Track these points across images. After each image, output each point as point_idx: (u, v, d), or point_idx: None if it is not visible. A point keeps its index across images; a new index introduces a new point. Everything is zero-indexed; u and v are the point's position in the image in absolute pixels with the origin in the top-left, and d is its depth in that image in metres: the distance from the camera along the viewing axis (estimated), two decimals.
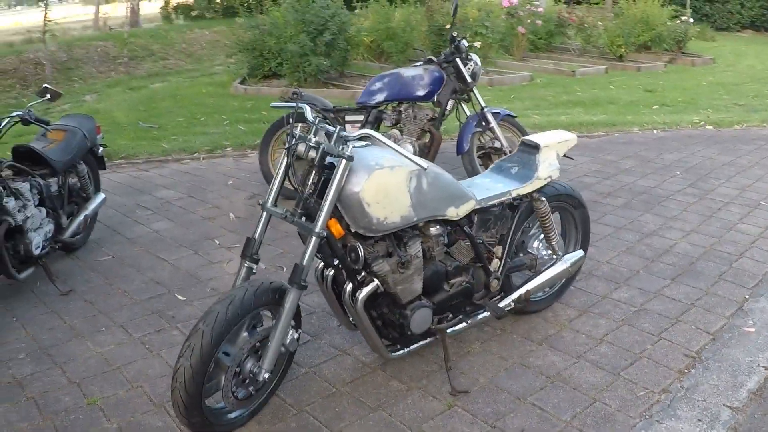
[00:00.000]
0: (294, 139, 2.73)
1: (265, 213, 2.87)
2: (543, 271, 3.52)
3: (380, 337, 3.03)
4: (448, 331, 3.21)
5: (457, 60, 5.23)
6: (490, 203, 3.23)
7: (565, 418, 2.89)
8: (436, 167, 3.00)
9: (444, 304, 3.14)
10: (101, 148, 4.76)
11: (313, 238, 2.68)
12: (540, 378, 3.17)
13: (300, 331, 2.95)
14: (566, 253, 3.66)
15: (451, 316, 3.20)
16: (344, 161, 2.62)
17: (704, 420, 2.86)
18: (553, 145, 3.49)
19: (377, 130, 5.36)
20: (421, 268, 2.95)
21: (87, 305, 3.88)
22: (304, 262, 2.70)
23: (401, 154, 2.67)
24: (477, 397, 3.05)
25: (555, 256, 3.57)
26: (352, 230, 2.77)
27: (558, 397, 3.03)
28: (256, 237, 2.87)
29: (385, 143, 2.72)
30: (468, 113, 5.37)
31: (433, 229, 3.00)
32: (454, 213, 3.03)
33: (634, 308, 3.75)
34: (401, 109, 5.34)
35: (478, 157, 5.34)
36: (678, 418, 2.87)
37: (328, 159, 2.72)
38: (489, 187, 3.32)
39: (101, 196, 4.69)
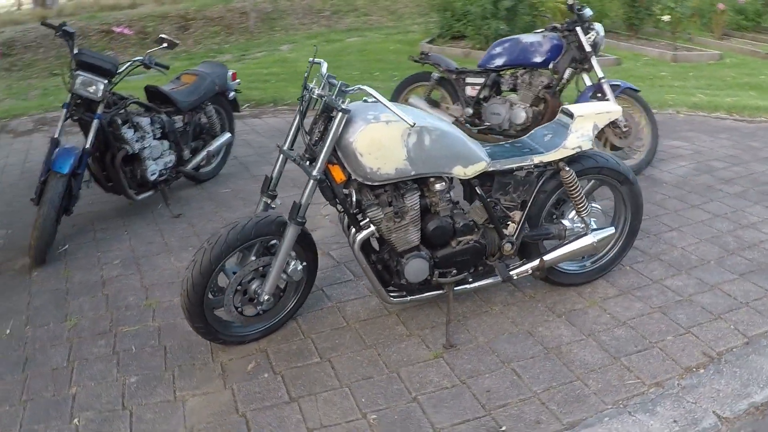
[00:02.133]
0: (305, 90, 2.86)
1: (281, 155, 3.05)
2: (565, 244, 3.32)
3: (384, 282, 3.11)
4: (457, 288, 3.20)
5: (578, 28, 4.90)
6: (507, 167, 3.12)
7: (536, 389, 2.79)
8: (445, 125, 2.98)
9: (448, 260, 3.12)
10: (233, 93, 5.17)
11: (311, 181, 2.86)
12: (537, 347, 3.05)
13: (304, 264, 3.13)
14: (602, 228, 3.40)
15: (455, 272, 3.16)
16: (340, 113, 2.76)
17: (680, 422, 2.58)
18: (590, 115, 3.24)
19: (497, 94, 5.23)
20: (418, 220, 2.99)
21: (188, 228, 4.36)
22: (302, 201, 2.90)
23: (391, 109, 2.71)
24: (465, 353, 3.03)
25: (588, 228, 3.34)
26: (353, 177, 2.87)
27: (543, 368, 2.91)
28: (273, 175, 3.06)
29: (376, 98, 2.76)
30: (588, 83, 5.03)
31: (438, 186, 3.00)
32: (462, 172, 2.99)
33: (680, 298, 3.39)
34: (518, 74, 5.16)
35: None
36: (653, 413, 2.63)
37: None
38: (512, 151, 3.21)
39: (227, 135, 5.11)
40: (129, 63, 4.33)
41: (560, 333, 3.15)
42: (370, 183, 2.86)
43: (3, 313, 3.52)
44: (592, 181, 3.41)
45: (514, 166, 3.13)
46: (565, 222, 3.35)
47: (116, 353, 3.14)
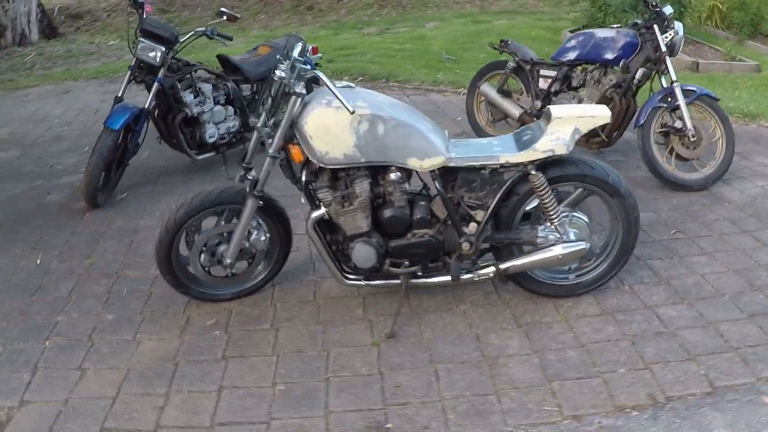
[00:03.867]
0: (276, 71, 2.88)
1: (255, 131, 3.07)
2: (530, 252, 3.01)
3: (339, 263, 3.05)
4: (414, 281, 3.05)
5: (655, 26, 4.33)
6: (468, 164, 2.89)
7: (446, 395, 2.61)
8: (404, 115, 2.84)
9: (401, 250, 2.99)
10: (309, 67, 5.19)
11: (267, 158, 2.89)
12: (475, 353, 2.83)
13: (267, 235, 3.18)
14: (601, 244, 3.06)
15: (408, 263, 3.01)
16: (293, 97, 2.77)
17: None
18: (570, 118, 2.86)
19: (569, 89, 4.78)
20: (367, 207, 2.90)
21: None
22: (259, 176, 2.96)
23: (336, 96, 2.65)
24: (402, 346, 2.90)
25: (562, 238, 3.00)
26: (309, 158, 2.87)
27: (466, 376, 2.70)
28: (249, 149, 3.09)
29: (326, 84, 2.70)
30: (665, 86, 4.44)
31: (392, 175, 2.89)
32: (417, 164, 2.85)
33: (663, 329, 2.94)
34: (588, 70, 4.67)
35: (662, 134, 4.43)
36: None
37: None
38: (480, 148, 2.96)
39: None
40: (192, 33, 4.50)
41: (509, 344, 2.89)
42: (322, 166, 2.83)
43: (43, 246, 3.90)
44: (579, 189, 3.05)
45: (476, 163, 2.89)
46: (539, 229, 3.03)
47: (109, 292, 3.38)
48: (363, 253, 2.94)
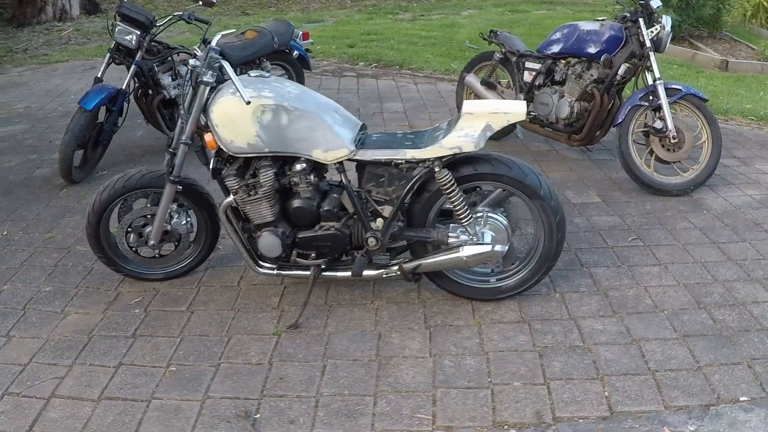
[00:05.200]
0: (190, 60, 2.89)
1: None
2: (437, 252, 2.83)
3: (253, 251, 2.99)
4: (326, 274, 2.94)
5: (640, 20, 3.98)
6: (373, 158, 2.73)
7: (324, 391, 2.48)
8: (310, 106, 2.73)
9: (308, 242, 2.89)
10: (297, 52, 5.09)
11: (181, 144, 2.86)
12: (370, 353, 2.69)
13: (188, 219, 3.14)
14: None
15: (314, 255, 2.90)
16: (202, 86, 2.76)
17: None
18: (482, 114, 2.64)
19: (553, 83, 4.48)
20: (272, 197, 2.82)
21: None
22: (175, 162, 2.92)
23: (235, 85, 2.61)
24: (300, 338, 2.80)
25: (474, 239, 2.80)
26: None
27: (351, 374, 2.57)
28: (175, 134, 3.04)
29: (228, 74, 2.68)
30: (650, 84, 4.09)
31: (298, 166, 2.79)
32: (322, 156, 2.74)
33: (579, 344, 2.70)
34: (571, 64, 4.36)
35: (643, 134, 4.09)
36: None
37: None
38: (392, 142, 2.79)
39: None
40: (169, 17, 4.48)
41: (409, 345, 2.73)
42: (232, 154, 2.77)
43: (15, 218, 3.98)
44: (499, 189, 2.83)
45: (382, 158, 2.73)
46: (452, 228, 2.83)
47: (56, 266, 3.41)
48: (268, 243, 2.86)
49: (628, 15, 4.10)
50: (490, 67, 4.84)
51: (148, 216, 3.08)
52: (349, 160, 2.77)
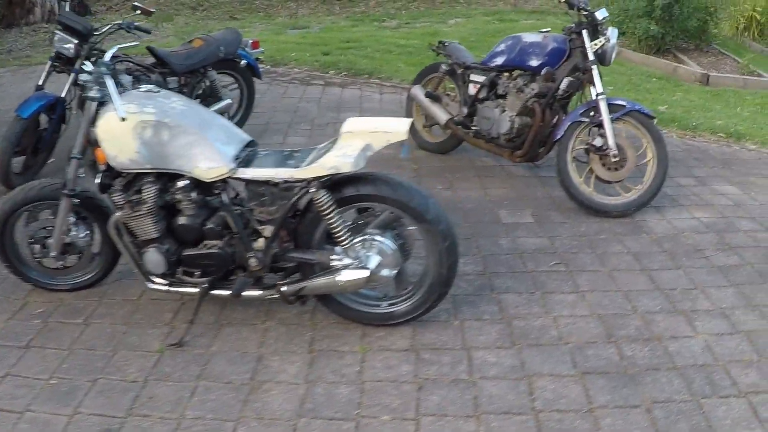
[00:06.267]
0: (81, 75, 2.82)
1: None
2: (312, 276, 2.70)
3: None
4: (214, 292, 2.82)
5: (584, 32, 3.81)
6: (252, 177, 2.63)
7: (189, 414, 2.39)
8: (189, 123, 2.64)
9: (192, 260, 2.79)
10: (244, 61, 4.97)
11: (72, 159, 2.85)
12: (244, 376, 2.57)
13: (87, 233, 3.06)
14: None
15: (199, 273, 2.81)
16: (88, 101, 2.74)
17: None
18: (361, 133, 2.53)
19: (497, 96, 4.31)
20: (156, 214, 2.73)
21: None
22: (68, 176, 2.89)
23: (112, 100, 2.62)
24: (182, 357, 2.70)
25: (356, 263, 2.65)
26: None
27: (221, 398, 2.45)
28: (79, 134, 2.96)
29: (108, 89, 2.66)
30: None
31: (180, 183, 2.70)
32: (202, 174, 2.65)
33: (465, 377, 2.53)
34: (513, 77, 4.19)
35: (585, 152, 3.91)
36: None
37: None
38: (277, 160, 2.68)
39: (226, 101, 4.92)
40: (108, 26, 4.40)
41: (286, 369, 2.61)
42: (119, 169, 2.72)
43: None
44: (387, 212, 2.68)
45: (261, 177, 2.61)
46: (335, 251, 2.69)
47: None
48: (153, 260, 2.78)
49: (573, 26, 3.94)
50: (437, 79, 4.69)
51: (49, 228, 3.03)
52: (229, 178, 2.67)
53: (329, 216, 2.59)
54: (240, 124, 5.23)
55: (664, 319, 2.93)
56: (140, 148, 2.62)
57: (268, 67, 7.20)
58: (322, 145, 2.72)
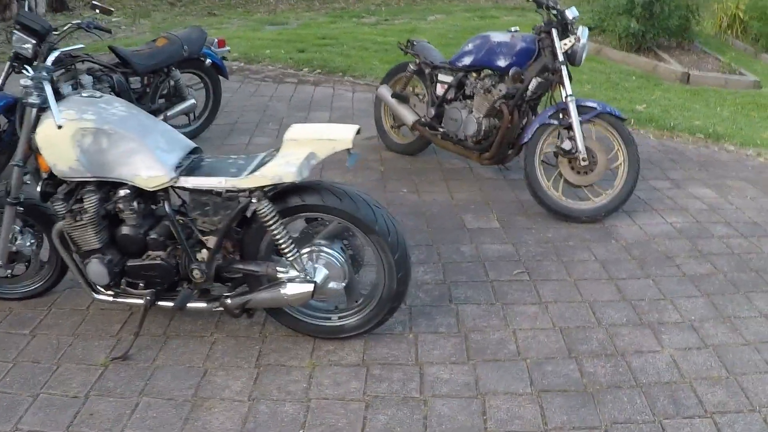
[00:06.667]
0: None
1: None
2: (260, 289, 2.58)
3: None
4: (160, 303, 2.71)
5: (553, 31, 3.69)
6: (194, 186, 2.51)
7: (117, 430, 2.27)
8: (130, 130, 2.52)
9: (135, 271, 2.68)
10: (209, 60, 4.84)
11: (14, 167, 2.73)
12: (188, 392, 2.45)
13: (32, 241, 2.96)
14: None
15: (143, 285, 2.69)
16: (27, 108, 2.62)
17: None
18: (306, 141, 2.42)
19: (465, 97, 4.19)
20: (97, 223, 2.62)
21: None
22: (11, 184, 2.76)
23: (49, 107, 2.50)
24: (125, 371, 2.58)
25: (301, 275, 2.54)
26: None
27: (161, 416, 2.34)
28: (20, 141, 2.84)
29: (47, 96, 2.54)
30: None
31: (121, 192, 2.60)
32: (143, 182, 2.53)
33: (416, 396, 2.42)
34: (481, 77, 4.07)
35: (554, 154, 3.80)
36: None
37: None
38: (221, 169, 2.55)
39: (190, 101, 4.81)
40: (67, 26, 4.27)
41: (231, 385, 2.49)
42: (61, 177, 2.61)
43: None
44: (335, 222, 2.56)
45: (203, 186, 2.49)
46: (281, 262, 2.57)
47: None
48: (95, 270, 2.66)
49: (542, 25, 3.82)
50: (404, 79, 4.56)
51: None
52: (171, 187, 2.55)
53: (272, 227, 2.46)
54: (206, 124, 5.11)
55: (629, 333, 2.82)
56: (80, 156, 2.51)
57: (242, 64, 7.08)
58: (266, 152, 2.60)
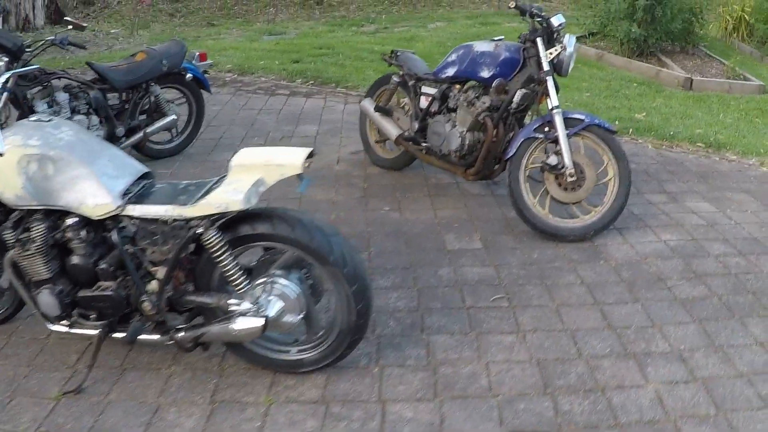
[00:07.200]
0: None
1: None
2: (212, 322, 2.44)
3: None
4: (115, 335, 2.58)
5: (538, 40, 3.52)
6: (141, 214, 2.38)
7: None
8: (74, 156, 2.41)
9: (86, 302, 2.55)
10: (190, 74, 4.72)
11: None
12: (138, 429, 2.34)
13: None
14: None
15: (95, 316, 2.56)
16: None
17: None
18: (254, 166, 2.29)
19: (449, 110, 4.02)
20: (46, 253, 2.50)
21: None
22: None
23: None
24: (78, 405, 2.46)
25: (253, 308, 2.39)
26: None
27: None
28: None
29: None
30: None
31: (69, 221, 2.48)
32: (90, 211, 2.41)
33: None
34: (464, 89, 3.90)
35: (541, 170, 3.62)
36: None
37: None
38: (171, 196, 2.43)
39: (170, 117, 4.69)
40: (41, 42, 4.22)
41: (182, 423, 2.35)
42: (7, 205, 2.49)
43: None
44: (289, 251, 2.41)
45: (149, 215, 2.36)
46: (233, 295, 2.42)
47: None
48: (45, 301, 2.54)
49: (527, 34, 3.65)
50: (388, 92, 4.41)
51: None
52: (118, 216, 2.42)
53: (220, 258, 2.32)
54: (189, 139, 5.00)
55: (611, 365, 2.63)
56: (25, 184, 2.40)
57: (235, 76, 6.97)
58: (214, 179, 2.46)
